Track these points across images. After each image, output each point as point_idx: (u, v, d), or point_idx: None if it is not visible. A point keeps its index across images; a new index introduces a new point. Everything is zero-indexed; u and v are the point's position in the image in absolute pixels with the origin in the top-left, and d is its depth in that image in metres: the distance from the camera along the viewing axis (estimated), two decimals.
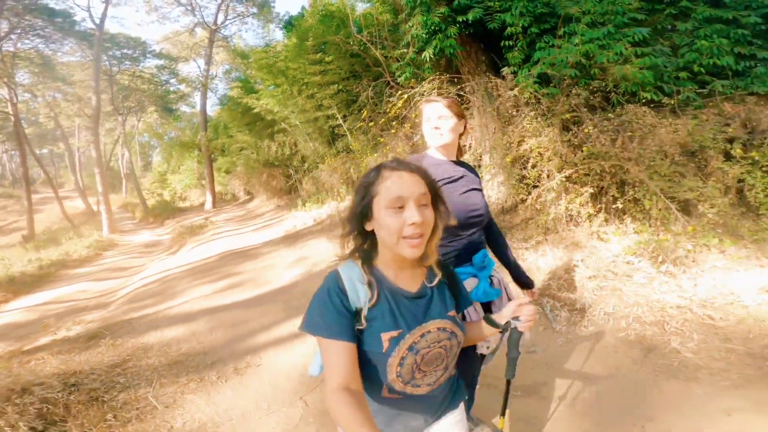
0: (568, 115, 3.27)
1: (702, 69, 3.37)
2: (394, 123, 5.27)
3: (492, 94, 4.34)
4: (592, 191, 3.03)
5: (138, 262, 8.87)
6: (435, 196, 0.87)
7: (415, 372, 0.86)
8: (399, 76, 4.99)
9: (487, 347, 1.47)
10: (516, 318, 0.95)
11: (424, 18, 4.23)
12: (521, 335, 0.99)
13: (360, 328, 0.83)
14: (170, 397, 2.30)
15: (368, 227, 0.87)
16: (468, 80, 4.66)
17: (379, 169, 0.86)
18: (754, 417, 1.65)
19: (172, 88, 25.45)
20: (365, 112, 5.67)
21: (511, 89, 3.89)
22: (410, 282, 0.91)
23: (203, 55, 21.61)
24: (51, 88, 23.42)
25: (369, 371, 0.85)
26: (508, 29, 3.81)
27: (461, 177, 1.52)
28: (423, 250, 0.85)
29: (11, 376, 2.48)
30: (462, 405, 1.02)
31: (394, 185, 0.82)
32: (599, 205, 3.07)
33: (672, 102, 3.28)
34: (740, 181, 2.95)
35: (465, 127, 1.58)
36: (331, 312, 0.82)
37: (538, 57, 3.56)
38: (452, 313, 0.93)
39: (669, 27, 3.92)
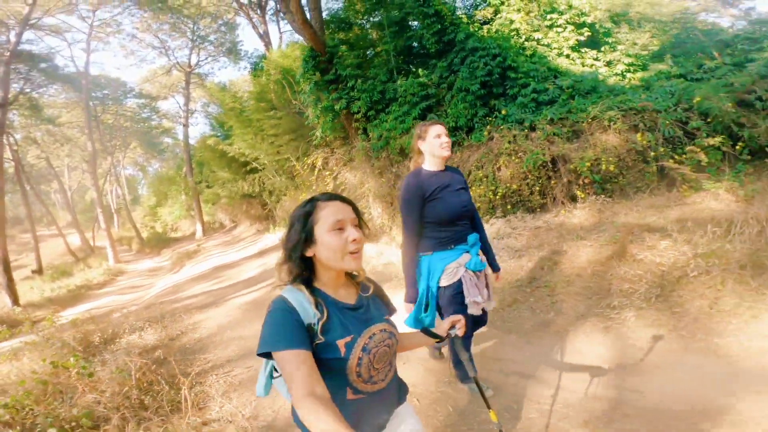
0: (379, 169, 6.85)
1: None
2: (315, 171, 8.90)
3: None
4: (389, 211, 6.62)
5: (149, 281, 12.51)
6: (360, 220, 1.15)
7: (371, 370, 1.11)
8: (313, 141, 8.65)
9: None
10: (452, 328, 1.34)
11: (314, 109, 7.91)
12: (461, 339, 1.38)
13: (318, 342, 1.04)
14: (186, 317, 5.85)
15: (309, 253, 1.11)
16: (351, 143, 8.31)
17: (312, 201, 1.13)
18: None
19: (153, 123, 29.22)
20: (297, 165, 9.32)
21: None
22: (348, 296, 1.19)
23: (181, 92, 25.54)
24: (40, 129, 26.97)
25: (331, 379, 1.04)
26: (355, 115, 7.42)
27: (451, 181, 2.24)
28: (361, 262, 1.13)
29: (115, 323, 6.05)
30: (407, 398, 1.32)
31: (333, 212, 1.09)
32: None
33: None
34: None
35: None
36: (286, 326, 1.01)
37: (364, 138, 7.18)
38: (387, 317, 1.24)
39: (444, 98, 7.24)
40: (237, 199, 15.88)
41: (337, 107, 7.57)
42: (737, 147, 4.37)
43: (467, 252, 2.26)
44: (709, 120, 4.54)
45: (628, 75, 7.09)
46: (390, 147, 6.79)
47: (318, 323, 1.05)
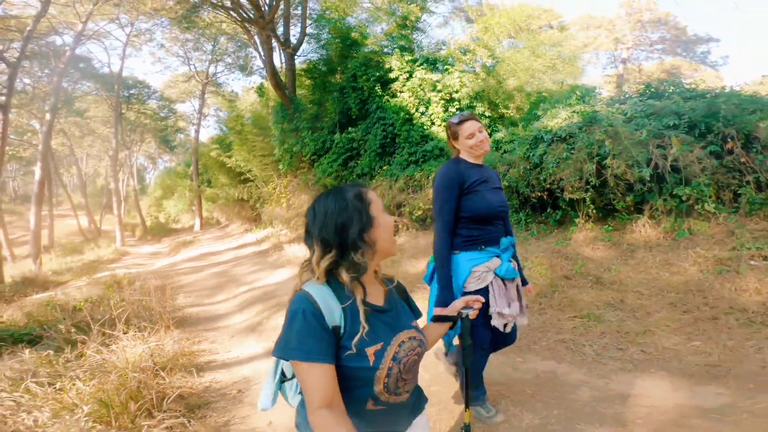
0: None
1: (354, 175, 10.84)
2: (276, 191, 13.20)
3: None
4: None
5: (150, 262, 16.97)
6: None
7: (398, 381, 1.09)
8: (281, 168, 12.96)
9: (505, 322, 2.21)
10: (466, 308, 1.36)
11: (279, 149, 12.24)
12: (471, 323, 1.38)
13: (346, 350, 1.03)
14: (175, 276, 10.13)
15: (372, 236, 1.09)
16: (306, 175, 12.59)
17: (353, 186, 1.14)
18: None
19: (170, 121, 34.23)
20: (273, 182, 13.64)
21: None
22: (376, 296, 1.17)
23: (198, 96, 30.47)
24: (68, 121, 32.14)
25: (353, 387, 1.04)
26: (304, 157, 11.67)
27: (489, 178, 2.25)
28: None
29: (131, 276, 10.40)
30: (426, 408, 1.31)
31: (377, 197, 1.15)
32: None
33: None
34: None
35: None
36: (309, 335, 0.99)
37: (305, 174, 11.46)
38: (415, 322, 1.23)
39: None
40: (231, 201, 20.34)
41: (294, 150, 11.87)
42: None
43: (498, 256, 2.23)
44: None
45: None
46: (319, 183, 11.02)
47: (345, 327, 1.05)
